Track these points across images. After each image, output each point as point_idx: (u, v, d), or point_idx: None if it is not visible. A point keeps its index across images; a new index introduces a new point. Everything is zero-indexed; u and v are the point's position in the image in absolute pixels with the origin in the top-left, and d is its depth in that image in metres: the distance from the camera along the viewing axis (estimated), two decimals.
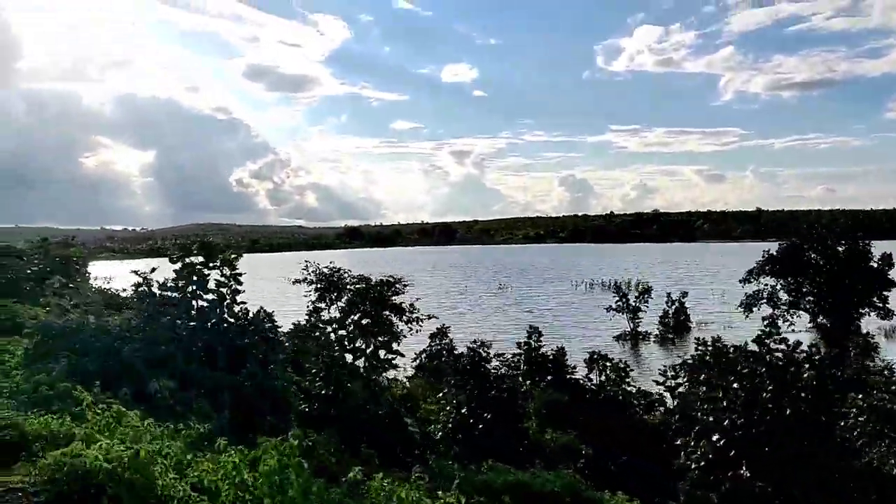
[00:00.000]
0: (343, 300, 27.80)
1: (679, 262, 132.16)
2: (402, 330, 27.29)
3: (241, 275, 26.28)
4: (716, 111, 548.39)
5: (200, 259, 25.56)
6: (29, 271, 52.79)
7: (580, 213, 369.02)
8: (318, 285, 28.80)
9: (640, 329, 56.43)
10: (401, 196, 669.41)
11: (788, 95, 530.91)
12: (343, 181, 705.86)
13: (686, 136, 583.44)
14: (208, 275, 25.16)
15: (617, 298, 57.59)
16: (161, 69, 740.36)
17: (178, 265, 24.82)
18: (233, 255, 26.43)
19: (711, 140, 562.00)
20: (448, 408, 25.01)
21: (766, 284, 55.88)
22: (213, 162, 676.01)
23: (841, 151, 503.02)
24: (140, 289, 25.18)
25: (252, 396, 21.29)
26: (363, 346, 26.91)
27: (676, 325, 57.10)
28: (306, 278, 29.17)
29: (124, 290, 44.37)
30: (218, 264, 25.81)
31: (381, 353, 26.99)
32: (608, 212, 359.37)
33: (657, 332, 56.26)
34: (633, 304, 57.21)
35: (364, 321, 27.05)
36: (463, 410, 23.82)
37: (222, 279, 25.29)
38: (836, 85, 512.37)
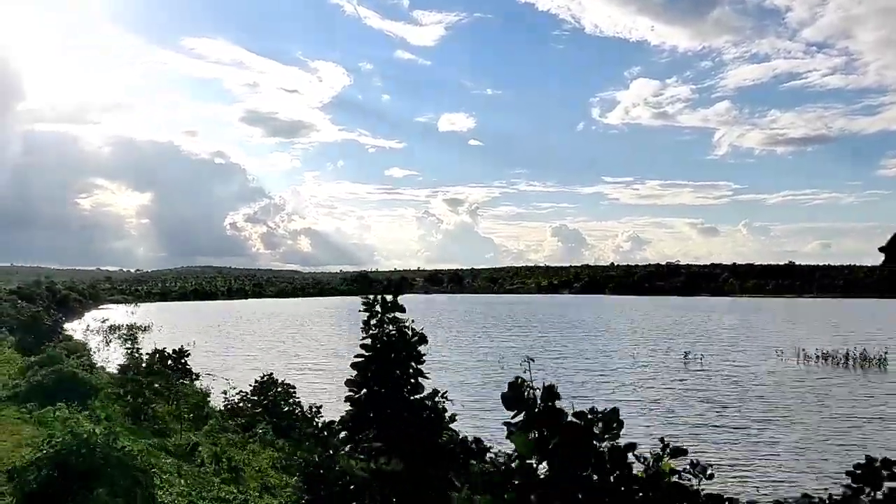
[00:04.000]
0: None
1: (810, 321, 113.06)
2: None
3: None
4: (709, 165, 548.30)
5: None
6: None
7: (591, 264, 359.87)
8: None
9: None
10: (394, 242, 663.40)
11: (783, 151, 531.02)
12: (337, 226, 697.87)
13: (679, 188, 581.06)
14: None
15: None
16: (160, 113, 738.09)
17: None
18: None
19: (704, 193, 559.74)
20: None
21: None
22: (208, 205, 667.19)
23: (835, 207, 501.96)
24: None
25: None
26: None
27: None
28: None
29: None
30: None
31: None
32: (610, 262, 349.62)
33: None
34: None
35: None
36: None
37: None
38: (831, 141, 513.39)
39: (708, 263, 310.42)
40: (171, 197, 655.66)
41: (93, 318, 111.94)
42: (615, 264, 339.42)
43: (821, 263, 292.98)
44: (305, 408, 21.74)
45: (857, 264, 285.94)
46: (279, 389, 23.74)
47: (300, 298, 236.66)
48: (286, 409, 20.69)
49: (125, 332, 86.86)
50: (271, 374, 24.40)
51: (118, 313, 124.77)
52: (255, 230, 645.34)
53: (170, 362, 29.38)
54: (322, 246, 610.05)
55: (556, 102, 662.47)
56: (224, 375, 36.80)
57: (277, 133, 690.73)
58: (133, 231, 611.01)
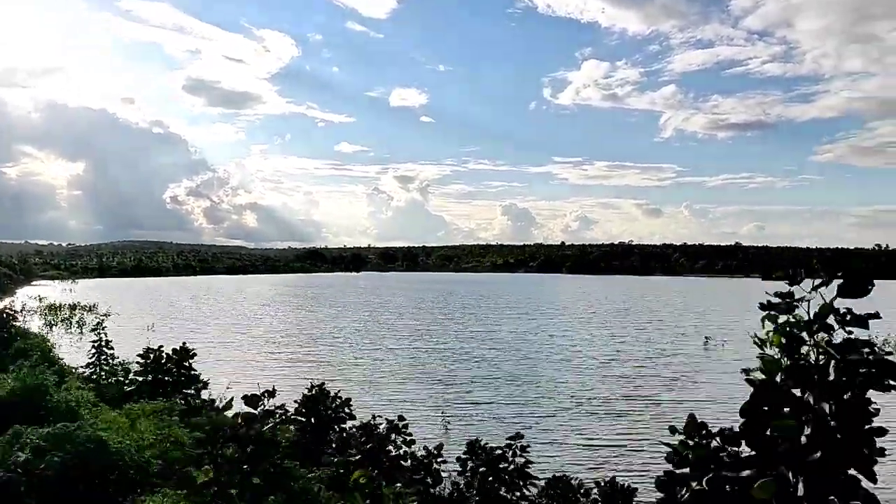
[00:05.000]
0: None
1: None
2: None
3: None
4: (655, 147, 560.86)
5: None
6: None
7: (541, 243, 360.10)
8: None
9: None
10: (343, 219, 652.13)
11: (724, 135, 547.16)
12: (284, 202, 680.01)
13: (626, 170, 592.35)
14: None
15: None
16: (95, 79, 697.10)
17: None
18: None
19: (650, 175, 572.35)
20: None
21: None
22: (147, 177, 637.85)
23: (771, 190, 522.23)
24: None
25: None
26: None
27: None
28: None
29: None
30: None
31: None
32: (560, 242, 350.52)
33: None
34: None
35: None
36: None
37: None
38: (768, 127, 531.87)
39: (660, 244, 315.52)
40: (107, 167, 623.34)
41: (26, 295, 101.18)
42: (569, 244, 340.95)
43: (757, 245, 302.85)
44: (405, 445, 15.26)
45: (790, 246, 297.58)
46: (335, 404, 18.29)
47: (251, 275, 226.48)
48: (370, 441, 14.92)
49: (67, 312, 78.21)
50: (322, 384, 18.85)
51: (54, 291, 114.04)
52: (197, 204, 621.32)
53: (169, 366, 23.42)
54: (268, 221, 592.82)
55: (509, 81, 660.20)
56: (233, 379, 30.93)
57: (221, 103, 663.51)
58: (64, 203, 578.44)
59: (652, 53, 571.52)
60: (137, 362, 23.92)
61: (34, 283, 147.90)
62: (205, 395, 23.83)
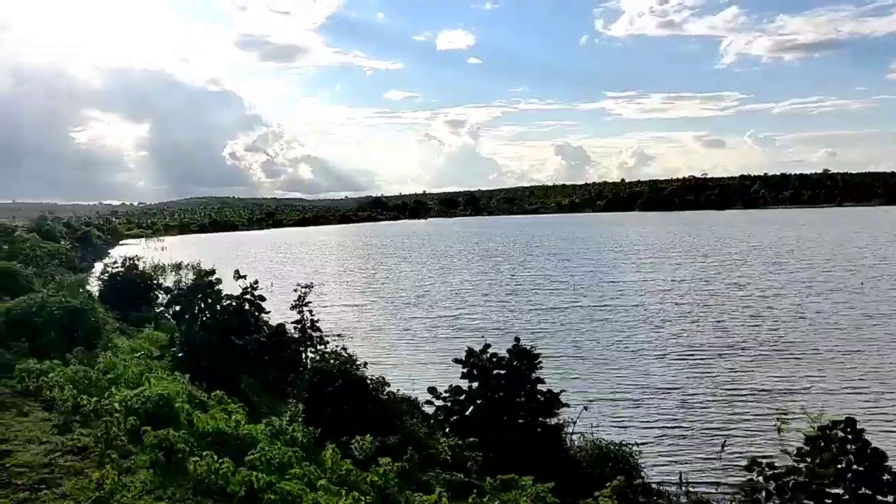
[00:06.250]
0: None
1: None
2: None
3: None
4: (715, 75, 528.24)
5: None
6: None
7: (596, 181, 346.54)
8: None
9: None
10: (395, 167, 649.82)
11: (790, 57, 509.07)
12: (337, 153, 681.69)
13: (684, 101, 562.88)
14: None
15: None
16: (152, 40, 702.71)
17: None
18: None
19: (710, 105, 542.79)
20: None
21: None
22: (206, 135, 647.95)
23: (843, 114, 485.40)
24: None
25: None
26: None
27: None
28: None
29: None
30: None
31: None
32: (621, 179, 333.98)
33: None
34: None
35: None
36: None
37: None
38: (840, 46, 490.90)
39: (736, 175, 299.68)
40: (168, 127, 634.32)
41: (119, 255, 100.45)
42: (637, 181, 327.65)
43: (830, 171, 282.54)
44: None
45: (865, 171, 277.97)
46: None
47: (322, 226, 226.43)
48: None
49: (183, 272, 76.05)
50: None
51: (147, 249, 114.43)
52: (255, 159, 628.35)
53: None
54: (322, 173, 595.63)
55: (558, 15, 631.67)
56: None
57: (272, 57, 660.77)
58: (132, 164, 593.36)
59: None
60: None
61: (122, 242, 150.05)
62: None
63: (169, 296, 26.54)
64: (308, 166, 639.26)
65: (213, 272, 22.74)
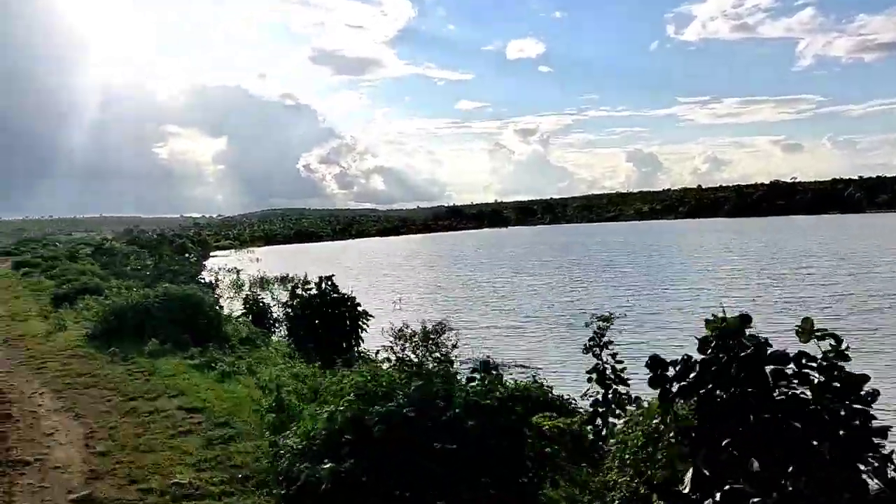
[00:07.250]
0: None
1: None
2: None
3: None
4: (792, 78, 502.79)
5: None
6: None
7: (668, 188, 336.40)
8: None
9: None
10: (466, 176, 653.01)
11: (871, 58, 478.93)
12: (408, 163, 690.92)
13: (759, 105, 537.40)
14: None
15: None
16: (228, 57, 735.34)
17: None
18: None
19: (786, 108, 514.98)
20: None
21: None
22: (281, 148, 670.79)
23: None
24: None
25: None
26: None
27: None
28: None
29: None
30: None
31: None
32: (697, 185, 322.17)
33: None
34: None
35: None
36: None
37: None
38: None
39: (828, 179, 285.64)
40: (245, 141, 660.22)
41: (217, 266, 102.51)
42: (721, 186, 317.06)
43: None
44: None
45: None
46: None
47: (403, 236, 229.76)
48: None
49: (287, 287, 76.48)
50: None
51: (239, 261, 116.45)
52: (328, 171, 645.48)
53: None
54: (394, 183, 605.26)
55: (628, 21, 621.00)
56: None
57: (345, 71, 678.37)
58: (211, 177, 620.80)
59: None
60: None
61: (213, 254, 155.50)
62: None
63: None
64: (380, 177, 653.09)
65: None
